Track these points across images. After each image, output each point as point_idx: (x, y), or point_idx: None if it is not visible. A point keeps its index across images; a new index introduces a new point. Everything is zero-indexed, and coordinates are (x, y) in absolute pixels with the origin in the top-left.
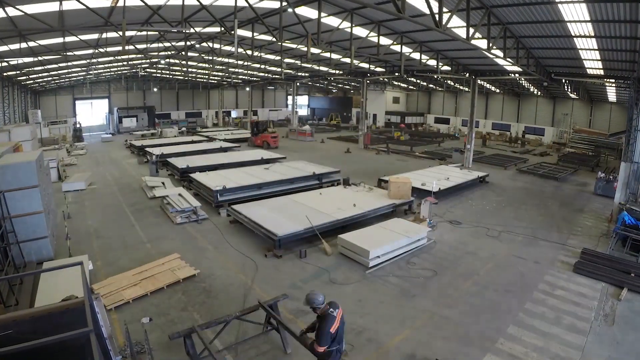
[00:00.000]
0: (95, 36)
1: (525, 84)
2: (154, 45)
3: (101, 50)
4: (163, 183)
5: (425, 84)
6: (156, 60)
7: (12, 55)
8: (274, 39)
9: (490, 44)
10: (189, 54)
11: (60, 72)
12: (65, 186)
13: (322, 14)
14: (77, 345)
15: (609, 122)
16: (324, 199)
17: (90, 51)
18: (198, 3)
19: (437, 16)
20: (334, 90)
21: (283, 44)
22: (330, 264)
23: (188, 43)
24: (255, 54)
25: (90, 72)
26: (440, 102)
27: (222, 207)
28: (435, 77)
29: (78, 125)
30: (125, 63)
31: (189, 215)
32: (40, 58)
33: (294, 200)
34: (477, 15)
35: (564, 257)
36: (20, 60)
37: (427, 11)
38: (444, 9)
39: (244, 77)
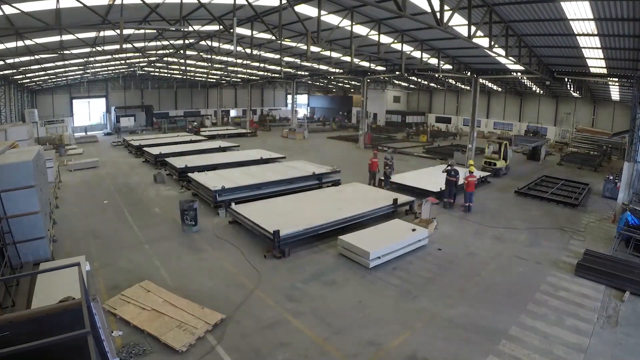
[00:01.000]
0: (92, 34)
1: (528, 83)
2: (152, 43)
3: (98, 48)
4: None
5: (426, 82)
6: (154, 58)
7: (8, 53)
8: (274, 38)
9: (492, 43)
10: (188, 52)
11: (57, 71)
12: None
13: (322, 12)
14: (74, 347)
15: (612, 121)
16: (323, 200)
17: (87, 50)
18: (196, 1)
19: (438, 14)
20: (333, 90)
21: (282, 42)
22: (331, 265)
23: (186, 41)
24: (255, 52)
25: (88, 71)
26: (441, 101)
27: (221, 207)
28: (437, 75)
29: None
30: (123, 62)
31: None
32: (37, 57)
33: (294, 200)
34: (478, 14)
35: (566, 257)
36: (17, 59)
37: (428, 9)
38: (445, 7)
39: (243, 75)
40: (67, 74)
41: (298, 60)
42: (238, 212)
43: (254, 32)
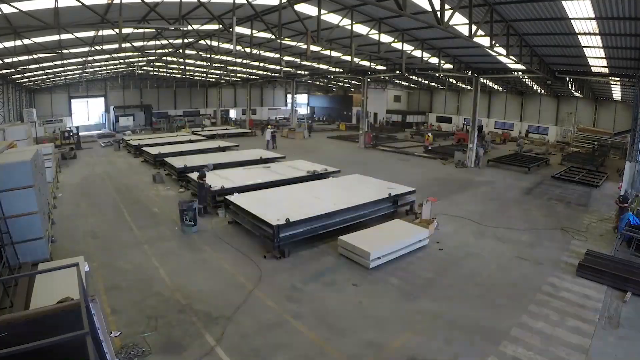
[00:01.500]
0: (91, 34)
1: (529, 83)
2: (151, 43)
3: (97, 48)
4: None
5: (427, 82)
6: (153, 58)
7: (6, 53)
8: (273, 37)
9: (493, 42)
10: (187, 51)
11: (55, 70)
12: None
13: (322, 11)
14: (73, 348)
15: (613, 121)
16: (319, 195)
17: (86, 49)
18: (196, 0)
19: (438, 13)
20: (334, 89)
21: (282, 41)
22: (331, 266)
23: (186, 41)
24: (254, 51)
25: (86, 71)
26: (442, 100)
27: (220, 207)
28: (437, 75)
29: (69, 130)
30: (121, 61)
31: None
32: (35, 56)
33: (292, 196)
34: (479, 12)
35: (567, 258)
36: (15, 58)
37: (429, 8)
38: (446, 6)
39: (242, 75)
40: (65, 74)
41: (298, 60)
42: (237, 205)
43: (254, 31)
